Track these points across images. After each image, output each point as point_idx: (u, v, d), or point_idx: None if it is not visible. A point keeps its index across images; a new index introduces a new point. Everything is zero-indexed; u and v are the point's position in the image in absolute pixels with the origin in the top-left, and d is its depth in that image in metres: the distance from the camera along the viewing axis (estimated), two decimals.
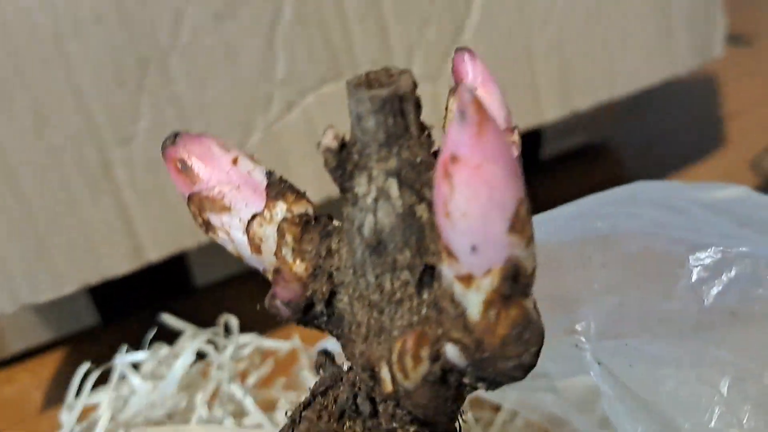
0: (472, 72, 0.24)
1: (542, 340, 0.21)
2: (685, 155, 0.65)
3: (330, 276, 0.24)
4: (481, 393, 0.37)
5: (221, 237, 0.25)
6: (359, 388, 0.25)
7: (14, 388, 0.51)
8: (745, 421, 0.29)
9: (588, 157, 0.66)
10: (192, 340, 0.44)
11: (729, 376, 0.29)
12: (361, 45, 0.47)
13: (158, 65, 0.44)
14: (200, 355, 0.45)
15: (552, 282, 0.33)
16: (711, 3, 0.55)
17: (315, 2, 0.45)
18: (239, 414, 0.42)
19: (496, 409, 0.39)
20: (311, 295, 0.24)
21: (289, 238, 0.24)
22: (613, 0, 0.52)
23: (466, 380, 0.22)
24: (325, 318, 0.25)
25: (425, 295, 0.23)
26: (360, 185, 0.22)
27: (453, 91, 0.25)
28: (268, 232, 0.24)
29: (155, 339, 0.47)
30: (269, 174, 0.25)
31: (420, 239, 0.22)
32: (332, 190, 0.41)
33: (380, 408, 0.24)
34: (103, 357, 0.47)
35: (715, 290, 0.31)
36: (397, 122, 0.22)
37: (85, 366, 0.44)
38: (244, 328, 0.48)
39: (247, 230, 0.24)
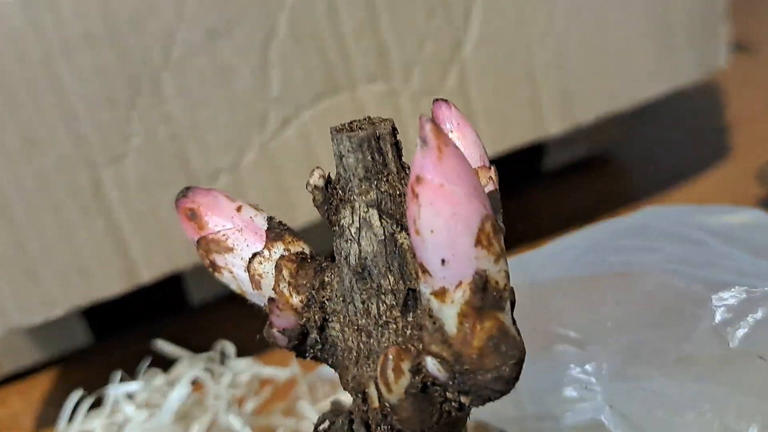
0: (448, 117, 0.27)
1: (522, 355, 0.23)
2: (688, 166, 0.65)
3: (322, 305, 0.27)
4: (485, 419, 0.36)
5: (226, 276, 0.28)
6: (355, 415, 0.27)
7: (4, 410, 0.53)
8: None
9: (590, 168, 0.67)
10: (188, 367, 0.43)
11: (757, 424, 0.28)
12: (358, 61, 0.47)
13: (150, 84, 0.46)
14: (194, 381, 0.44)
15: (560, 319, 0.33)
16: (713, 14, 0.55)
17: (310, 18, 0.45)
18: None
19: None
20: (305, 323, 0.27)
21: (285, 273, 0.27)
22: (614, 13, 0.52)
23: (449, 395, 0.24)
24: (319, 346, 0.27)
25: (410, 317, 0.25)
26: (345, 217, 0.25)
27: None
28: (267, 269, 0.27)
29: (150, 363, 0.46)
30: (270, 219, 0.28)
31: (402, 265, 0.25)
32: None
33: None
34: (96, 378, 0.49)
35: (741, 332, 0.32)
36: (376, 159, 0.25)
37: (78, 392, 0.43)
38: (241, 351, 0.49)
39: (248, 268, 0.27)
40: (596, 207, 0.61)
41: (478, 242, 0.22)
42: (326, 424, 0.28)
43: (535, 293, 0.35)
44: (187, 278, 0.58)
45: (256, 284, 0.27)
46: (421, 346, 0.24)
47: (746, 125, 0.71)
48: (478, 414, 0.36)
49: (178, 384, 0.44)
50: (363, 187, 0.25)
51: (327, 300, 0.26)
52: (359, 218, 0.25)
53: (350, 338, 0.26)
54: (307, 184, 0.26)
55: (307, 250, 0.27)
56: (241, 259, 0.27)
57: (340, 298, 0.26)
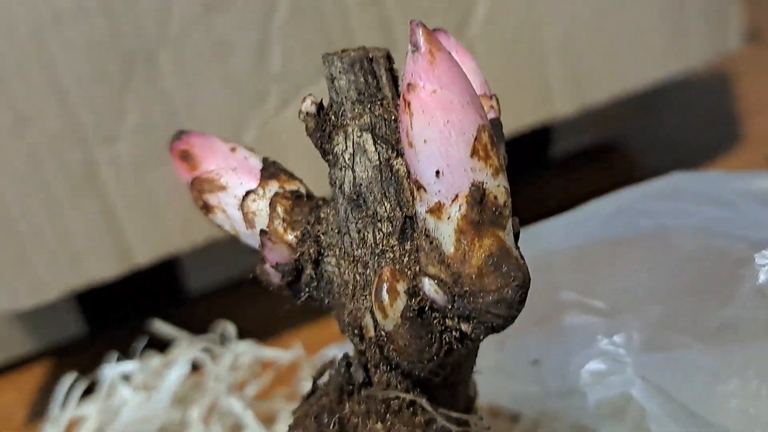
0: (447, 46, 0.25)
1: (527, 279, 0.22)
2: (699, 154, 0.64)
3: (317, 239, 0.26)
4: (499, 402, 0.34)
5: (219, 216, 0.27)
6: (352, 358, 0.26)
7: None
8: None
9: (599, 156, 0.67)
10: (186, 349, 0.41)
11: None
12: (362, 38, 0.45)
13: (145, 60, 0.45)
14: (193, 365, 0.44)
15: (587, 288, 0.31)
16: None
17: None
18: (237, 428, 0.40)
19: (514, 419, 0.36)
20: (299, 257, 0.26)
21: (280, 209, 0.26)
22: None
23: (448, 321, 0.23)
24: (314, 283, 0.26)
25: (407, 246, 0.24)
26: (338, 144, 0.25)
27: None
28: (260, 207, 0.26)
29: (145, 348, 0.46)
30: (265, 160, 0.28)
31: (399, 191, 0.24)
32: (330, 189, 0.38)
33: (375, 378, 0.26)
34: (90, 368, 0.48)
35: None
36: (369, 82, 0.24)
37: (71, 376, 0.42)
38: (240, 337, 0.49)
39: (242, 206, 0.26)
40: (603, 195, 0.59)
41: (474, 152, 0.21)
42: (326, 376, 0.28)
43: (557, 263, 0.33)
44: (182, 266, 0.56)
45: (250, 223, 0.27)
46: (417, 268, 0.23)
47: (756, 114, 0.70)
48: (493, 397, 0.34)
49: (175, 365, 0.42)
50: (356, 110, 0.24)
51: (322, 234, 0.26)
52: (353, 143, 0.24)
53: (346, 271, 0.25)
54: (300, 112, 0.25)
55: (303, 190, 0.27)
56: (235, 197, 0.27)
57: (336, 231, 0.25)
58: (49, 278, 0.45)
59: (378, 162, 0.24)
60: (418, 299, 0.23)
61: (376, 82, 0.24)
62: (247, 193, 0.27)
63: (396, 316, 0.23)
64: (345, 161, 0.24)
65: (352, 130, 0.24)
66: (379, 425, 0.26)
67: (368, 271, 0.25)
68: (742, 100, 0.72)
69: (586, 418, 0.35)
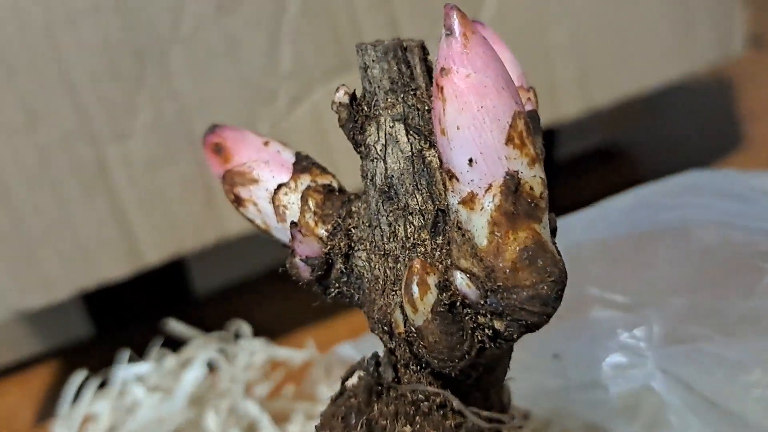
0: (482, 32, 0.25)
1: (563, 275, 0.22)
2: (702, 157, 0.64)
3: (348, 233, 0.25)
4: (514, 397, 0.34)
5: (250, 210, 0.27)
6: (381, 357, 0.26)
7: (3, 402, 0.51)
8: None
9: (602, 159, 0.66)
10: (200, 348, 0.40)
11: None
12: (371, 37, 0.45)
13: (157, 58, 0.45)
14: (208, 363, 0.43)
15: (608, 282, 0.31)
16: None
17: None
18: (252, 429, 0.39)
19: (526, 416, 0.36)
20: (330, 251, 0.25)
21: (311, 203, 0.26)
22: None
23: (481, 318, 0.22)
24: (344, 278, 0.26)
25: (439, 240, 0.23)
26: (370, 135, 0.24)
27: None
28: (292, 200, 0.26)
29: (156, 347, 0.45)
30: (297, 154, 0.27)
31: (431, 184, 0.23)
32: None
33: (404, 378, 0.25)
34: (97, 369, 0.48)
35: None
36: (402, 71, 0.23)
37: (81, 374, 0.41)
38: (249, 338, 0.45)
39: (273, 199, 0.26)
40: (608, 198, 0.59)
41: (509, 140, 0.21)
42: (354, 377, 0.27)
43: (578, 256, 0.33)
44: (191, 267, 0.56)
45: (281, 216, 0.26)
46: (449, 262, 0.22)
47: (759, 118, 0.70)
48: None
49: (191, 365, 0.41)
50: (389, 100, 0.24)
51: (353, 228, 0.25)
52: (385, 134, 0.24)
53: (377, 266, 0.25)
54: (332, 102, 0.24)
55: (335, 184, 0.27)
56: (266, 190, 0.26)
57: (366, 224, 0.25)
58: (59, 277, 0.44)
59: (410, 153, 0.23)
60: (449, 294, 0.22)
61: (410, 71, 0.24)
62: (279, 186, 0.26)
63: (426, 311, 0.22)
64: (377, 152, 0.24)
65: (385, 120, 0.24)
66: (407, 428, 0.25)
67: (399, 265, 0.24)
68: (745, 105, 0.73)
69: (598, 416, 0.34)
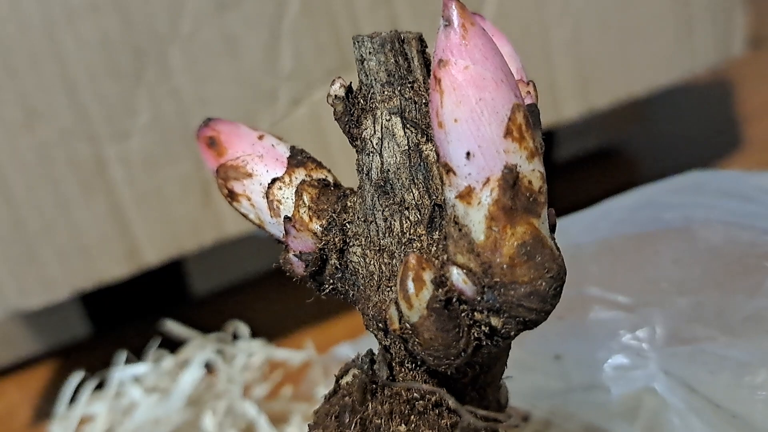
0: (482, 25, 0.25)
1: (562, 271, 0.21)
2: (701, 159, 0.64)
3: (343, 228, 0.25)
4: (514, 398, 0.33)
5: (244, 205, 0.26)
6: (376, 355, 0.25)
7: (2, 402, 0.51)
8: None
9: (601, 160, 0.66)
10: (198, 349, 0.40)
11: None
12: None
13: (157, 57, 0.44)
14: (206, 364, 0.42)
15: (610, 282, 0.30)
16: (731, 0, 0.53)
17: None
18: (249, 429, 0.39)
19: (525, 418, 0.36)
20: (324, 246, 0.25)
21: (306, 198, 0.25)
22: None
23: (477, 315, 0.22)
24: (339, 274, 0.25)
25: (435, 235, 0.23)
26: (366, 128, 0.24)
27: None
28: (286, 195, 0.25)
29: (153, 348, 0.44)
30: (292, 148, 0.27)
31: (428, 178, 0.23)
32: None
33: (399, 376, 0.25)
34: (95, 369, 0.48)
35: None
36: (399, 64, 0.23)
37: (79, 375, 0.41)
38: (247, 339, 0.45)
39: (267, 194, 0.26)
40: (606, 199, 0.59)
41: (508, 133, 0.20)
42: (349, 375, 0.26)
43: (580, 256, 0.33)
44: (190, 267, 0.55)
45: (275, 211, 0.25)
46: (445, 257, 0.22)
47: (758, 119, 0.70)
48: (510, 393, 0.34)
49: (188, 366, 0.41)
50: (385, 93, 0.23)
51: (348, 223, 0.25)
52: (381, 127, 0.23)
53: (372, 262, 0.24)
54: (328, 95, 0.24)
55: (330, 178, 0.26)
56: (260, 184, 0.26)
57: (362, 219, 0.24)
58: (59, 276, 0.44)
59: (407, 147, 0.23)
60: (446, 290, 0.21)
61: (407, 64, 0.23)
62: (273, 180, 0.26)
63: (422, 307, 0.22)
64: (373, 146, 0.23)
65: (381, 114, 0.23)
66: (402, 427, 0.25)
67: (394, 261, 0.23)
68: (744, 106, 0.72)
69: (599, 418, 0.34)
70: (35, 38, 0.41)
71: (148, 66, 0.43)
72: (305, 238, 0.25)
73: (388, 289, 0.24)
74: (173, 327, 0.46)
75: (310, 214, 0.25)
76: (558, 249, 0.21)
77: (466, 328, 0.22)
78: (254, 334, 0.48)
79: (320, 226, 0.25)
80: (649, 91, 0.55)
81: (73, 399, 0.45)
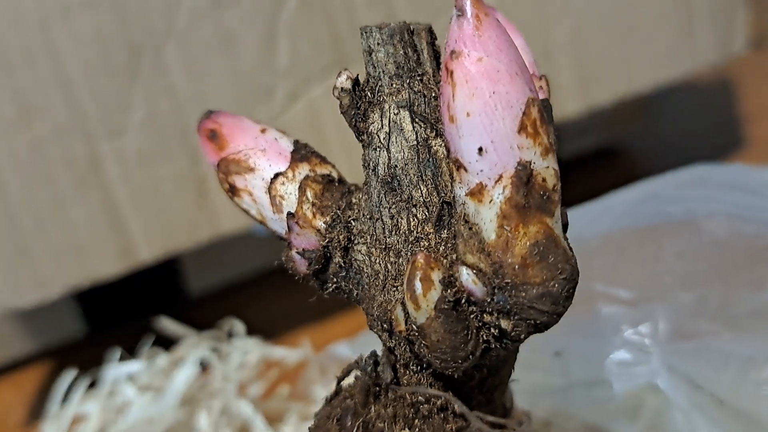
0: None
1: (575, 272, 0.20)
2: (702, 158, 0.62)
3: (348, 225, 0.24)
4: (515, 397, 0.33)
5: (246, 200, 0.26)
6: (380, 356, 0.25)
7: None
8: None
9: (603, 159, 0.65)
10: (192, 347, 0.40)
11: None
12: None
13: (152, 53, 0.44)
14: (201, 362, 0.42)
15: (609, 278, 0.30)
16: None
17: None
18: (245, 429, 0.38)
19: (527, 417, 0.35)
20: (328, 244, 0.24)
21: (310, 194, 0.24)
22: None
23: (487, 317, 0.21)
24: (343, 273, 0.24)
25: (444, 234, 0.22)
26: (374, 122, 0.23)
27: None
28: (289, 190, 0.25)
29: (147, 347, 0.44)
30: (296, 142, 0.26)
31: (436, 175, 0.22)
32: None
33: (404, 379, 0.24)
34: (89, 368, 0.47)
35: None
36: (409, 56, 0.22)
37: (71, 374, 0.40)
38: (244, 338, 0.44)
39: (269, 189, 0.25)
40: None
41: (522, 128, 0.19)
42: (351, 377, 0.25)
43: (582, 251, 0.32)
44: (185, 265, 0.55)
45: (277, 207, 0.25)
46: (454, 256, 0.21)
47: (760, 119, 0.69)
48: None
49: (182, 364, 0.40)
50: (394, 85, 0.22)
51: (353, 220, 0.24)
52: (389, 121, 0.22)
53: (377, 260, 0.23)
54: (334, 87, 0.23)
55: (335, 174, 0.25)
56: (263, 179, 0.25)
57: (367, 216, 0.23)
58: (53, 274, 0.43)
59: (415, 142, 0.22)
60: (454, 290, 0.21)
61: (417, 56, 0.22)
62: (276, 175, 0.25)
63: (429, 308, 0.21)
64: (380, 141, 0.22)
65: (389, 107, 0.22)
66: (406, 431, 0.24)
67: (401, 260, 0.23)
68: (746, 105, 0.72)
69: (601, 415, 0.33)
70: (30, 34, 0.41)
71: (144, 62, 0.43)
72: (308, 235, 0.24)
73: (394, 288, 0.23)
74: (167, 325, 0.45)
75: (314, 210, 0.24)
76: (571, 249, 0.21)
77: (474, 330, 0.21)
78: (251, 332, 0.47)
79: (324, 223, 0.24)
80: (651, 88, 0.54)
81: (66, 398, 0.44)
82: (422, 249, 0.22)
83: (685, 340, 0.29)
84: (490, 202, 0.20)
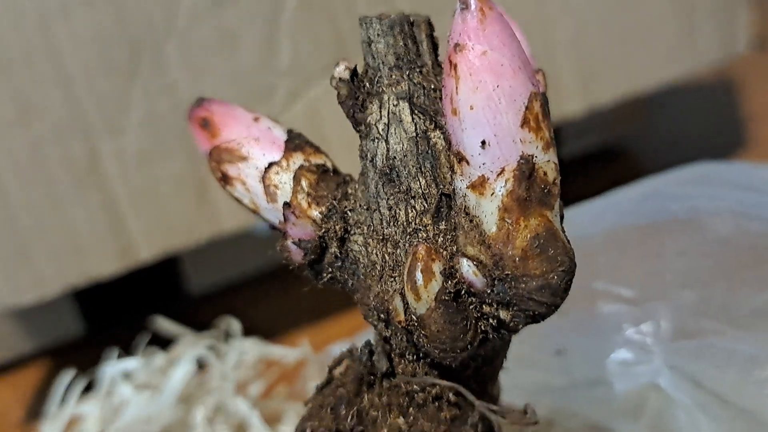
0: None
1: (573, 265, 0.21)
2: (704, 158, 0.62)
3: (344, 215, 0.24)
4: (514, 397, 0.33)
5: (238, 189, 0.26)
6: (375, 345, 0.25)
7: None
8: None
9: (605, 159, 0.65)
10: (190, 346, 0.40)
11: None
12: None
13: (152, 52, 0.44)
14: (197, 363, 0.41)
15: (611, 276, 0.30)
16: None
17: None
18: (242, 428, 0.38)
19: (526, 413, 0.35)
20: (324, 234, 0.24)
21: (305, 183, 0.24)
22: None
23: (486, 308, 0.22)
24: (339, 263, 0.25)
25: (442, 225, 0.22)
26: (372, 113, 0.23)
27: None
28: (284, 180, 0.25)
29: (147, 346, 0.44)
30: (289, 131, 0.26)
31: (435, 167, 0.22)
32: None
33: (399, 369, 0.24)
34: (88, 368, 0.47)
35: None
36: (409, 47, 0.22)
37: (69, 374, 0.40)
38: (244, 336, 0.47)
39: (263, 178, 0.25)
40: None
41: (524, 122, 0.20)
42: (342, 366, 0.26)
43: (584, 248, 0.32)
44: (185, 265, 0.55)
45: (271, 196, 0.25)
46: (455, 248, 0.21)
47: (762, 119, 0.69)
48: (510, 390, 0.33)
49: (180, 363, 0.40)
50: (393, 77, 0.22)
51: (349, 210, 0.24)
52: (388, 113, 0.22)
53: (374, 251, 0.23)
54: (332, 77, 0.23)
55: (329, 164, 0.25)
56: (256, 168, 0.25)
57: (364, 207, 0.24)
58: (51, 273, 0.43)
59: (414, 133, 0.22)
60: (455, 281, 0.21)
61: (416, 47, 0.22)
62: (270, 164, 0.25)
63: (430, 299, 0.21)
64: (378, 132, 0.23)
65: (388, 98, 0.22)
66: (400, 419, 0.24)
67: (398, 251, 0.23)
68: (748, 105, 0.72)
69: (603, 415, 0.33)
70: (29, 33, 0.41)
71: (144, 62, 0.43)
72: (305, 225, 0.24)
73: (392, 279, 0.23)
74: (164, 324, 0.45)
75: (309, 200, 0.24)
76: (569, 242, 0.21)
77: (473, 321, 0.22)
78: (250, 332, 0.47)
79: (320, 213, 0.24)
80: (652, 88, 0.54)
81: (64, 398, 0.44)
82: (421, 240, 0.22)
83: (688, 339, 0.29)
84: (492, 194, 0.20)
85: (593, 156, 0.66)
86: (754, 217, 0.30)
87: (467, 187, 0.21)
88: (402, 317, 0.22)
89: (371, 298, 0.24)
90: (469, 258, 0.21)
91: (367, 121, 0.23)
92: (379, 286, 0.23)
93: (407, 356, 0.24)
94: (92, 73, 0.42)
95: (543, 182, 0.20)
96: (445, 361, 0.22)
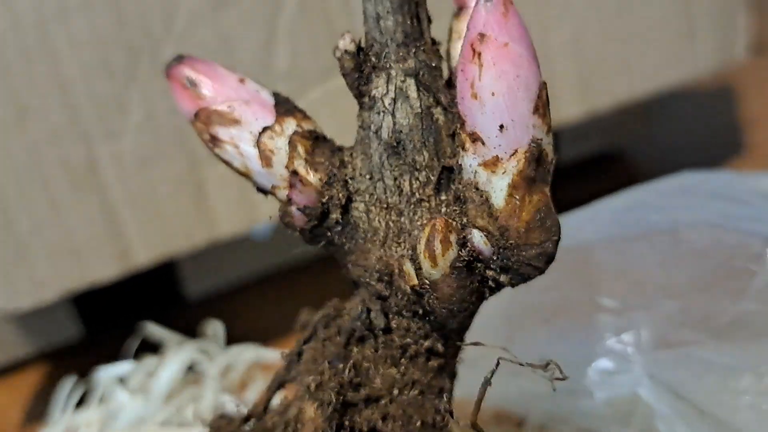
0: None
1: (560, 234, 0.23)
2: (702, 164, 0.63)
3: (345, 183, 0.25)
4: (505, 405, 0.33)
5: (229, 151, 0.26)
6: (370, 302, 0.26)
7: None
8: None
9: (603, 164, 0.66)
10: (183, 350, 0.40)
11: None
12: None
13: (150, 55, 0.44)
14: (192, 368, 0.42)
15: (593, 287, 0.30)
16: (734, 3, 0.52)
17: None
18: None
19: (519, 424, 0.35)
20: (327, 201, 0.25)
21: (301, 149, 0.25)
22: None
23: (489, 272, 0.24)
24: (338, 228, 0.26)
25: (443, 196, 0.24)
26: (378, 87, 0.24)
27: (457, 15, 0.28)
28: (279, 145, 0.25)
29: (143, 352, 0.44)
30: (276, 95, 0.27)
31: (437, 141, 0.24)
32: None
33: (393, 324, 0.26)
34: (86, 372, 0.48)
35: None
36: (414, 25, 0.24)
37: (70, 380, 0.41)
38: (242, 341, 0.48)
39: (258, 143, 0.25)
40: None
41: (536, 110, 0.22)
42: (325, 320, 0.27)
43: (565, 259, 0.32)
44: (182, 269, 0.55)
45: (267, 161, 0.25)
46: (465, 220, 0.23)
47: (760, 125, 0.70)
48: (499, 399, 0.34)
49: (170, 366, 0.41)
50: (401, 53, 0.24)
51: (350, 179, 0.25)
52: (395, 88, 0.24)
53: (377, 218, 0.25)
54: (336, 49, 0.24)
55: (319, 130, 0.26)
56: (250, 133, 0.26)
57: (366, 176, 0.25)
58: (49, 277, 0.43)
59: (420, 110, 0.24)
60: (467, 250, 0.23)
61: (419, 27, 0.24)
62: (264, 129, 0.25)
63: (445, 266, 0.23)
64: (384, 106, 0.24)
65: (396, 74, 0.24)
66: (393, 370, 0.26)
67: (403, 219, 0.25)
68: (746, 111, 0.72)
69: (593, 421, 0.34)
70: (27, 36, 0.41)
71: (142, 65, 0.43)
72: (310, 193, 0.25)
73: (396, 245, 0.25)
74: (154, 330, 0.45)
75: (307, 166, 0.25)
76: (555, 210, 0.23)
77: (477, 284, 0.24)
78: (247, 336, 0.47)
79: (319, 179, 0.25)
80: (651, 94, 0.55)
81: (65, 404, 0.45)
82: (424, 210, 0.24)
83: (667, 348, 0.30)
84: (504, 173, 0.22)
85: (592, 161, 0.67)
86: (730, 228, 0.31)
87: (479, 165, 0.22)
88: (415, 281, 0.24)
89: (373, 261, 0.25)
90: (479, 229, 0.23)
91: (372, 94, 0.24)
92: (381, 250, 0.25)
93: (404, 313, 0.26)
94: (90, 76, 0.43)
95: (545, 162, 0.22)
96: (450, 319, 0.25)
